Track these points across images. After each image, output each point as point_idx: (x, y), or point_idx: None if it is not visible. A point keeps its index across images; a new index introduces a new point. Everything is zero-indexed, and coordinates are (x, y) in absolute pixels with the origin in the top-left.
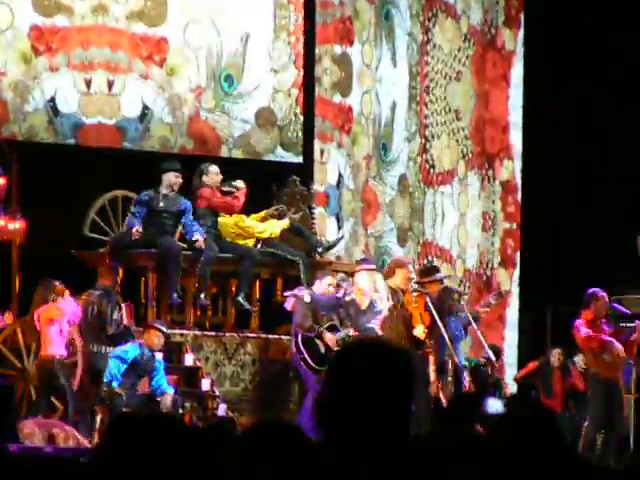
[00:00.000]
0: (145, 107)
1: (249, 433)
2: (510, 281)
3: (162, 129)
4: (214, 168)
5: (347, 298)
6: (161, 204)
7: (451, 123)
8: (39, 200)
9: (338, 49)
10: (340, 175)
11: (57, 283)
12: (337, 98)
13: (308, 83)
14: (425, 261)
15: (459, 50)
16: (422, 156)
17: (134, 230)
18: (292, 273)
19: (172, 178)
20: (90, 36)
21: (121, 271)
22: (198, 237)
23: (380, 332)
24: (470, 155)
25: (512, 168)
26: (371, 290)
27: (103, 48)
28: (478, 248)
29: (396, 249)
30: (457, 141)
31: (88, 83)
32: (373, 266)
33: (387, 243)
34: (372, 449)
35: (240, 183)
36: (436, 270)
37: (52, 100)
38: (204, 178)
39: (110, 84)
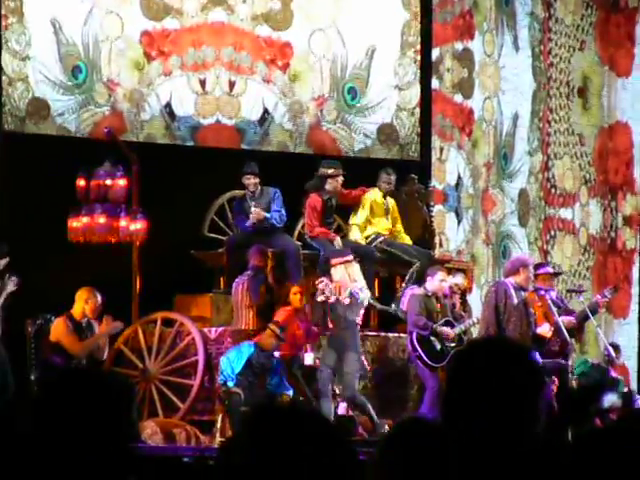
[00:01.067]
0: (266, 111)
1: (394, 432)
2: (636, 239)
3: (281, 134)
4: (332, 176)
5: (332, 299)
6: (251, 206)
7: (574, 146)
8: (159, 201)
9: (459, 46)
10: (459, 177)
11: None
12: (458, 98)
13: (425, 77)
14: (548, 236)
15: (582, 19)
16: (544, 174)
17: (256, 210)
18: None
19: (244, 180)
20: (201, 35)
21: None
22: (258, 215)
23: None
24: (593, 182)
25: (636, 204)
26: (347, 282)
27: (225, 48)
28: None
29: (517, 231)
30: (580, 166)
31: (203, 83)
32: (348, 257)
33: (509, 227)
34: (497, 447)
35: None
36: (546, 265)
37: (168, 105)
38: (326, 185)
39: (232, 84)
